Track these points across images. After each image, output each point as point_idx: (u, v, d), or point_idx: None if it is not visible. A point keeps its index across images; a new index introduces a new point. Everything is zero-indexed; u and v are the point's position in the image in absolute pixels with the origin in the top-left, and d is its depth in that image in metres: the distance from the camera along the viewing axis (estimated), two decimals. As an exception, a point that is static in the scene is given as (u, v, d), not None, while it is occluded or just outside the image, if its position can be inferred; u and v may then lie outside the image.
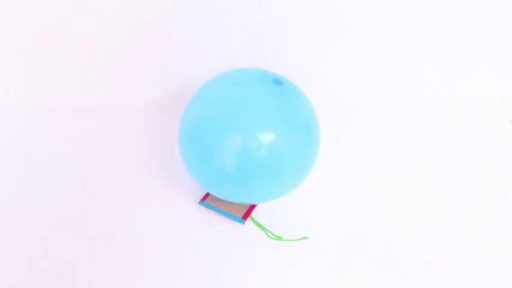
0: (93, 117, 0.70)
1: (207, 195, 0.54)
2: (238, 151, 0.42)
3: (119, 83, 0.74)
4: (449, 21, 0.67)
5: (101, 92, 0.73)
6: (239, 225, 0.50)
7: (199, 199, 0.53)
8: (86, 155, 0.62)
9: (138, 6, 0.64)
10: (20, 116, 0.71)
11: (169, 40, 0.69)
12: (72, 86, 0.73)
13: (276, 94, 0.44)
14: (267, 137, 0.42)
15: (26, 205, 0.54)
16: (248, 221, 0.51)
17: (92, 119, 0.70)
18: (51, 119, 0.70)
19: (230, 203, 0.51)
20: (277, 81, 0.46)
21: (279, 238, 0.49)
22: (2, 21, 0.66)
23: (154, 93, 0.74)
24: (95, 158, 0.61)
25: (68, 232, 0.50)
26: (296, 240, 0.48)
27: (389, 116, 0.70)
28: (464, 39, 0.69)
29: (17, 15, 0.65)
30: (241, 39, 0.69)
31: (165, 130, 0.65)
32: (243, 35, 0.68)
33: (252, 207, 0.52)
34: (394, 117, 0.70)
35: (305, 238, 0.48)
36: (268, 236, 0.49)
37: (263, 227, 0.50)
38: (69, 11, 0.64)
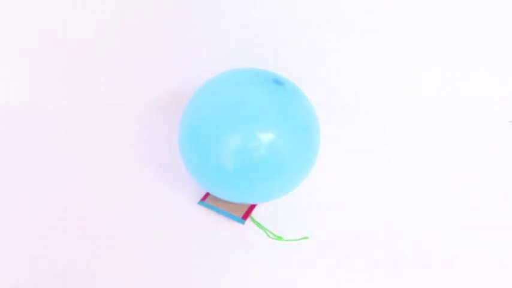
0: (93, 117, 0.70)
1: (207, 195, 0.54)
2: (238, 151, 0.42)
3: (119, 83, 0.73)
4: (449, 21, 0.67)
5: (101, 92, 0.73)
6: (239, 225, 0.50)
7: (199, 199, 0.53)
8: (85, 155, 0.62)
9: (138, 6, 0.64)
10: (20, 116, 0.71)
11: (169, 40, 0.69)
12: (72, 86, 0.73)
13: (276, 94, 0.44)
14: (266, 137, 0.42)
15: (26, 205, 0.54)
16: (248, 221, 0.51)
17: (91, 119, 0.70)
18: (51, 119, 0.70)
19: (230, 203, 0.51)
20: (277, 81, 0.46)
21: (279, 238, 0.49)
22: (2, 22, 0.66)
23: (154, 93, 0.74)
24: (95, 158, 0.61)
25: (68, 232, 0.50)
26: (296, 240, 0.48)
27: (389, 116, 0.70)
28: (464, 39, 0.69)
29: (17, 15, 0.65)
30: (241, 39, 0.69)
31: (165, 130, 0.65)
32: (243, 35, 0.68)
33: (252, 207, 0.52)
34: (394, 117, 0.70)
35: (305, 238, 0.48)
36: (268, 236, 0.49)
37: (263, 227, 0.50)
38: (69, 11, 0.64)
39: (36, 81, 0.72)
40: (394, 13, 0.67)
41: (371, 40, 0.70)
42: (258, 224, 0.50)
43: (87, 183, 0.57)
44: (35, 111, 0.71)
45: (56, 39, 0.68)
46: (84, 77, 0.72)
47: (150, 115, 0.71)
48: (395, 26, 0.68)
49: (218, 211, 0.51)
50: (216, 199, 0.52)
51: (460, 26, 0.68)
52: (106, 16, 0.65)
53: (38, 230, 0.50)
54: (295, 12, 0.67)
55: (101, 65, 0.71)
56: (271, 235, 0.49)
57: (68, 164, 0.60)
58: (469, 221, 0.51)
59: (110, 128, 0.68)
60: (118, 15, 0.65)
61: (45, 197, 0.55)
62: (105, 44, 0.69)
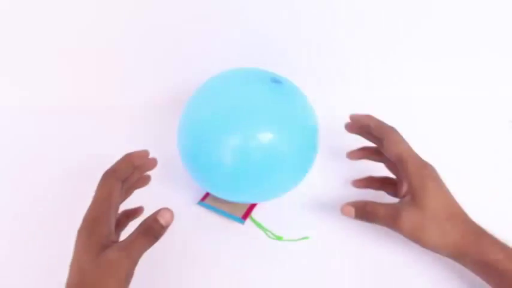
0: (93, 117, 0.70)
1: (207, 195, 0.54)
2: (237, 150, 0.42)
3: (118, 83, 0.74)
4: (449, 20, 0.67)
5: (100, 92, 0.73)
6: (239, 225, 0.50)
7: (199, 199, 0.53)
8: (85, 155, 0.62)
9: (138, 7, 0.64)
10: (20, 116, 0.71)
11: (169, 40, 0.69)
12: (71, 86, 0.73)
13: (274, 93, 0.44)
14: (265, 136, 0.42)
15: (25, 205, 0.54)
16: (248, 221, 0.51)
17: (91, 119, 0.70)
18: (51, 119, 0.70)
19: (230, 203, 0.51)
20: (276, 80, 0.45)
21: (279, 238, 0.49)
22: (2, 22, 0.66)
23: (154, 93, 0.74)
24: (94, 158, 0.61)
25: (67, 233, 0.50)
26: (296, 240, 0.48)
27: (389, 116, 0.70)
28: (464, 39, 0.69)
29: (17, 15, 0.65)
30: (241, 40, 0.69)
31: (165, 130, 0.64)
32: (243, 35, 0.68)
33: (252, 207, 0.52)
34: (394, 117, 0.69)
35: (305, 238, 0.48)
36: (268, 236, 0.49)
37: (263, 227, 0.50)
38: (69, 11, 0.64)
39: (36, 82, 0.72)
40: (394, 12, 0.67)
41: (371, 40, 0.70)
42: (258, 224, 0.50)
43: (87, 183, 0.57)
44: (35, 111, 0.71)
45: (56, 39, 0.68)
46: (84, 77, 0.72)
47: (149, 116, 0.71)
48: (396, 25, 0.68)
49: (218, 211, 0.51)
50: (216, 199, 0.52)
51: (460, 25, 0.68)
52: (106, 16, 0.65)
53: (36, 230, 0.50)
54: (293, 12, 0.67)
55: (101, 66, 0.71)
56: (271, 235, 0.49)
57: (67, 164, 0.60)
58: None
59: (110, 128, 0.68)
60: (118, 15, 0.65)
61: (44, 198, 0.55)
62: (105, 44, 0.69)
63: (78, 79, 0.72)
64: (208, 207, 0.52)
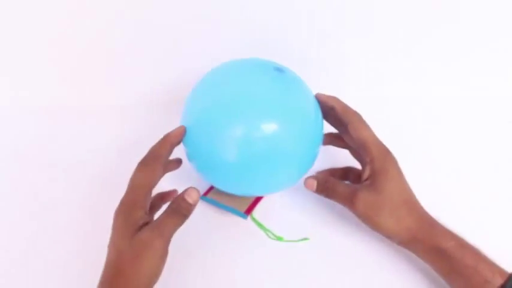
0: (93, 117, 0.70)
1: (210, 189, 0.53)
2: (241, 141, 0.41)
3: (118, 83, 0.73)
4: (449, 20, 0.67)
5: (100, 92, 0.73)
6: (239, 225, 0.50)
7: (201, 193, 0.53)
8: (85, 155, 0.62)
9: (137, 6, 0.64)
10: (20, 116, 0.71)
11: (168, 39, 0.69)
12: (71, 86, 0.73)
13: (278, 81, 0.43)
14: (270, 126, 0.41)
15: (24, 205, 0.54)
16: (249, 220, 0.51)
17: (91, 119, 0.70)
18: (51, 119, 0.70)
19: (233, 198, 0.51)
20: (278, 69, 0.45)
21: (280, 238, 0.49)
22: (1, 22, 0.66)
23: (154, 93, 0.74)
24: (94, 158, 0.61)
25: (67, 233, 0.50)
26: (296, 241, 0.48)
27: (389, 115, 0.70)
28: (464, 39, 0.69)
29: (17, 15, 0.65)
30: (241, 40, 0.69)
31: (165, 130, 0.64)
32: (243, 36, 0.68)
33: (255, 202, 0.52)
34: (394, 116, 0.70)
35: (305, 239, 0.48)
36: (269, 236, 0.49)
37: (264, 227, 0.50)
38: (68, 11, 0.64)
39: (36, 82, 0.72)
40: (395, 10, 0.67)
41: (372, 38, 0.70)
42: (259, 224, 0.50)
43: (86, 183, 0.57)
44: (34, 111, 0.71)
45: (55, 39, 0.68)
46: (83, 77, 0.72)
47: (149, 116, 0.71)
48: (397, 23, 0.68)
49: (220, 206, 0.51)
50: (219, 193, 0.51)
51: (459, 25, 0.68)
52: (105, 15, 0.65)
53: (36, 231, 0.50)
54: (293, 12, 0.67)
55: (100, 66, 0.71)
56: (271, 235, 0.49)
57: (67, 164, 0.60)
58: (468, 222, 0.51)
59: (110, 128, 0.68)
60: (117, 15, 0.65)
61: (44, 198, 0.55)
62: (105, 44, 0.69)
63: (77, 79, 0.72)
64: (211, 201, 0.52)
